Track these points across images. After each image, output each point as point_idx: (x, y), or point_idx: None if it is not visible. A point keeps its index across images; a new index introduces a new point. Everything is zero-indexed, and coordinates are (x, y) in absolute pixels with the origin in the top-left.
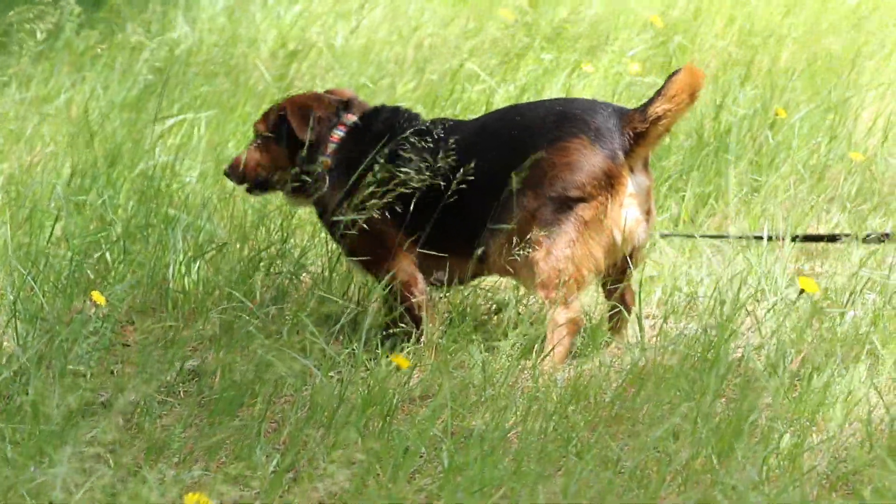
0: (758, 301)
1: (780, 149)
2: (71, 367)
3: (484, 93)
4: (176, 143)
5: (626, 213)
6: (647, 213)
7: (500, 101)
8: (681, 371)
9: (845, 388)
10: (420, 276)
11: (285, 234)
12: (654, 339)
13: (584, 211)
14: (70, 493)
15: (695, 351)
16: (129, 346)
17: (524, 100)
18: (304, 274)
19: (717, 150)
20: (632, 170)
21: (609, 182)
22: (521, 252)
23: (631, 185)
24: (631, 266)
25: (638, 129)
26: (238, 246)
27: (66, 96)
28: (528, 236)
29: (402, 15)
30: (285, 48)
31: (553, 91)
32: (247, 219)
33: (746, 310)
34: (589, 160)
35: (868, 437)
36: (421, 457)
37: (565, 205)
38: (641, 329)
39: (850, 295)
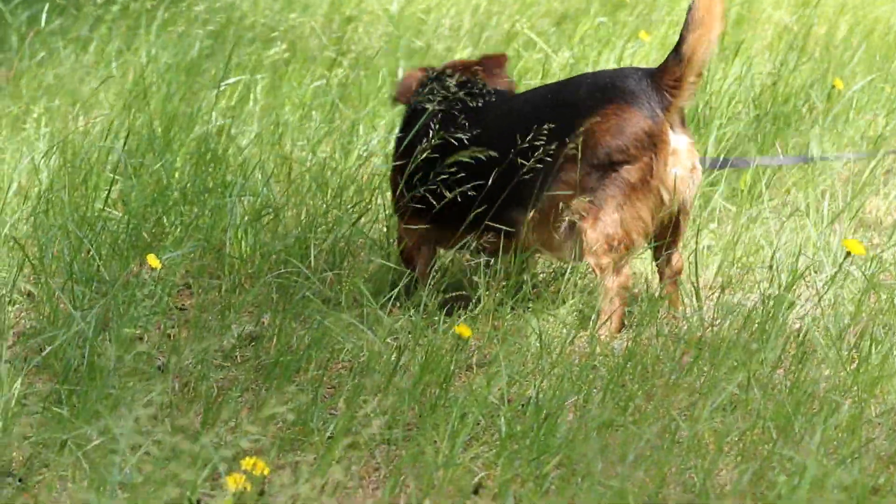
0: (816, 272)
1: (837, 121)
2: (127, 330)
3: (539, 61)
4: (232, 106)
5: (672, 171)
6: (692, 169)
7: (556, 70)
8: (738, 341)
9: None
10: (425, 249)
11: (340, 199)
12: (712, 309)
13: (629, 174)
14: (126, 455)
15: (752, 321)
16: (185, 310)
17: (581, 70)
18: (360, 239)
19: (776, 120)
20: (672, 127)
21: (651, 142)
22: (564, 222)
23: (673, 141)
24: (682, 224)
25: (676, 76)
26: (294, 211)
27: (122, 60)
28: (570, 205)
29: None
30: (341, 13)
31: (609, 61)
32: (304, 183)
33: (804, 280)
34: (629, 123)
35: None
36: (478, 424)
37: (610, 170)
38: (699, 298)
39: None
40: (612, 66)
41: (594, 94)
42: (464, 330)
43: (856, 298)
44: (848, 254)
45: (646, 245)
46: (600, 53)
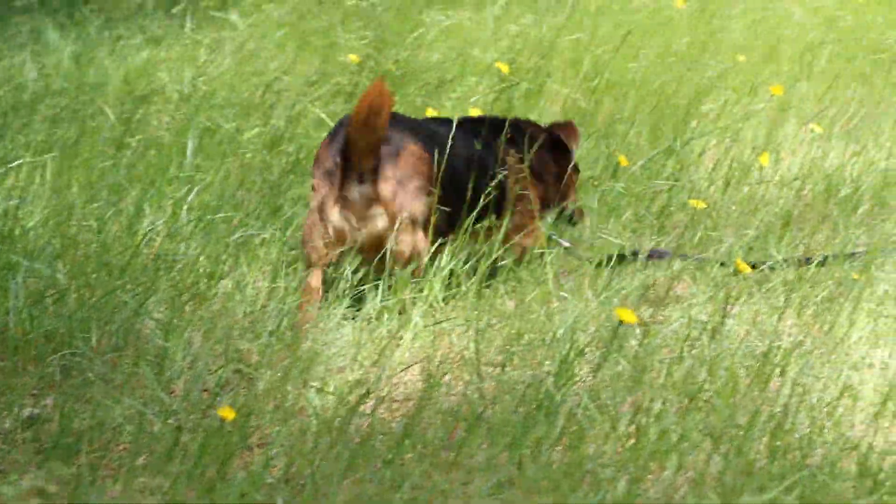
0: (595, 347)
1: (622, 197)
2: None
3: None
4: (20, 186)
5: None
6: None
7: None
8: (515, 418)
9: (680, 435)
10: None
11: (125, 280)
12: (489, 385)
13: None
14: None
15: (530, 398)
16: None
17: None
18: (145, 319)
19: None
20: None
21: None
22: None
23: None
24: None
25: None
26: (79, 292)
27: None
28: None
29: (250, 60)
30: (132, 93)
31: None
32: (89, 263)
33: (583, 355)
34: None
35: (700, 483)
36: None
37: None
38: (480, 375)
39: (685, 341)
40: None
41: None
42: (227, 413)
43: (633, 375)
44: (621, 322)
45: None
46: None
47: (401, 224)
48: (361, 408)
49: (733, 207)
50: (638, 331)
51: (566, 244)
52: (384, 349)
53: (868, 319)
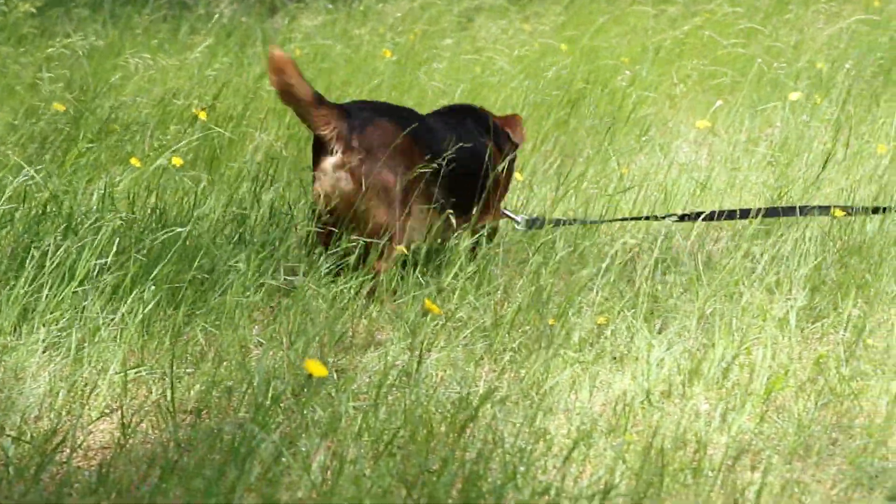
0: (292, 394)
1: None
2: None
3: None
4: None
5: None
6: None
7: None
8: (210, 464)
9: (373, 481)
10: None
11: None
12: (184, 433)
13: None
14: None
15: (226, 444)
16: None
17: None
18: None
19: None
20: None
21: None
22: None
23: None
24: None
25: None
26: None
27: None
28: None
29: None
30: None
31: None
32: None
33: (278, 402)
34: None
35: None
36: None
37: None
38: (175, 423)
39: (380, 387)
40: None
41: None
42: None
43: (327, 420)
44: (310, 376)
45: None
46: (92, 180)
47: (367, 191)
48: (57, 456)
49: None
50: (335, 376)
51: (517, 218)
52: (81, 397)
53: (564, 365)
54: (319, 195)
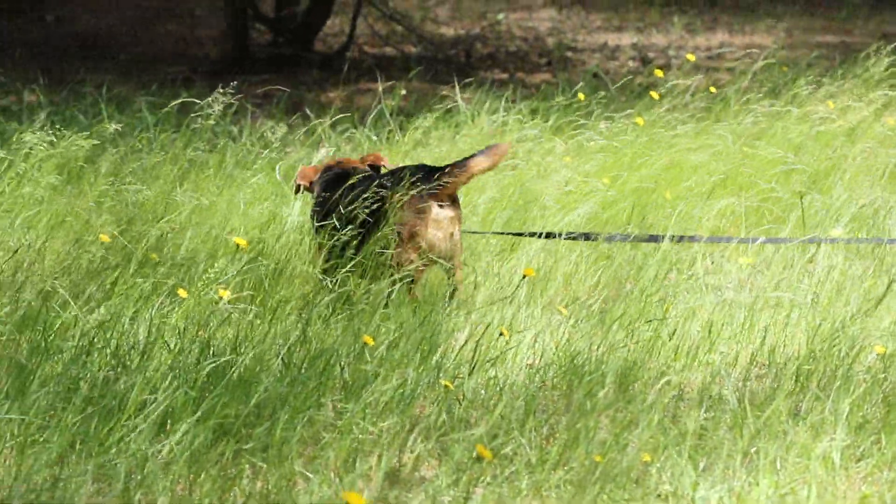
0: None
1: (369, 380)
2: None
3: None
4: None
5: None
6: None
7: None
8: None
9: None
10: None
11: None
12: None
13: None
14: None
15: None
16: None
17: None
18: None
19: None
20: None
21: None
22: None
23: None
24: None
25: None
26: None
27: None
28: None
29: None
30: None
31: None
32: None
33: None
34: None
35: None
36: None
37: None
38: None
39: None
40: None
41: None
42: None
43: None
44: None
45: None
46: (139, 311)
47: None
48: None
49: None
50: None
51: None
52: None
53: (610, 503)
54: (426, 241)
